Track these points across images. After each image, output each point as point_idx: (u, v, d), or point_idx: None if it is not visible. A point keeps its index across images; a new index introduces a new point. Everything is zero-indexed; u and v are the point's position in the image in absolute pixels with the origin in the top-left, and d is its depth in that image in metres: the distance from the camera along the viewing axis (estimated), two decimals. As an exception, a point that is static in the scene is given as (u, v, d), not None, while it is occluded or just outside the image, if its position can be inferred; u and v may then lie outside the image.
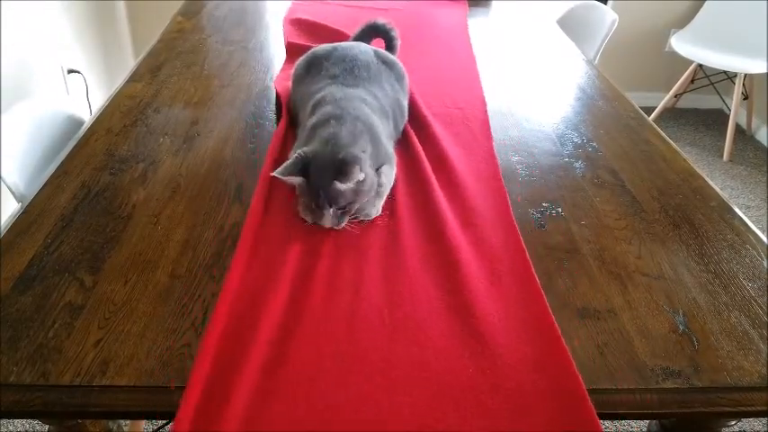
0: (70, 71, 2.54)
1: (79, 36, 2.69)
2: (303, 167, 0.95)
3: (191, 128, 1.32)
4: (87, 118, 1.43)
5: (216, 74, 1.60)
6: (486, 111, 1.42)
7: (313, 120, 1.06)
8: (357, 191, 0.96)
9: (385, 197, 1.05)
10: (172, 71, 1.60)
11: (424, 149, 1.22)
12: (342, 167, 0.93)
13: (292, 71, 1.35)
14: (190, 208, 1.05)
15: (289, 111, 1.32)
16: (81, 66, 2.64)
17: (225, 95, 1.48)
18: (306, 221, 0.99)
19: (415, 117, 1.34)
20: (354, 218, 1.00)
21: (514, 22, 2.12)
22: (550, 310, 0.85)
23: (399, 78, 1.31)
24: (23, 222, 1.00)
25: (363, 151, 0.99)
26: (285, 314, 0.82)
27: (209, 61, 1.68)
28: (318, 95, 1.13)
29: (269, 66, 1.67)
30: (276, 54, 1.76)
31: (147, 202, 1.06)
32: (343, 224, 0.97)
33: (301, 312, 0.83)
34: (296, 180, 0.96)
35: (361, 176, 0.95)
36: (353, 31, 1.67)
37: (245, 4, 2.20)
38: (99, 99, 2.76)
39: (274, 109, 1.40)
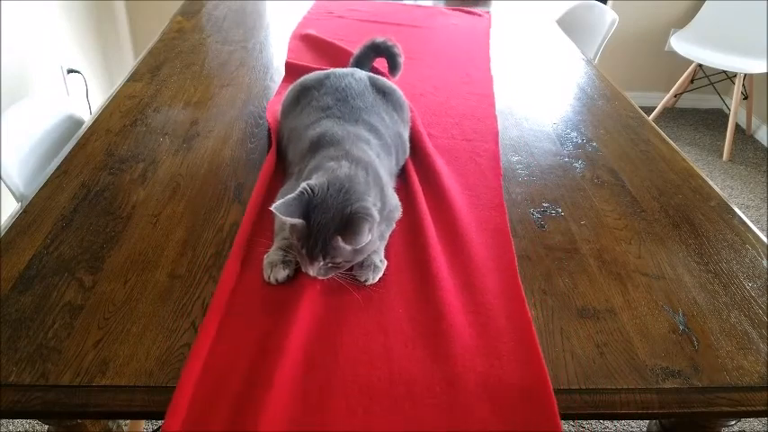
0: (70, 71, 2.54)
1: (79, 36, 2.69)
2: (305, 206, 0.82)
3: (190, 128, 1.32)
4: (87, 118, 1.43)
5: (215, 74, 1.60)
6: (497, 142, 1.29)
7: (314, 162, 0.93)
8: (357, 251, 0.84)
9: (382, 253, 0.92)
10: (171, 71, 1.60)
11: (423, 189, 1.09)
12: (351, 224, 0.81)
13: (281, 103, 1.25)
14: (189, 208, 1.05)
15: (278, 143, 1.20)
16: (81, 66, 2.64)
17: (224, 95, 1.48)
18: (270, 282, 0.87)
19: (416, 150, 1.21)
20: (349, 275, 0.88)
21: (514, 21, 2.12)
22: (557, 411, 0.72)
23: (398, 108, 1.18)
24: (23, 222, 0.99)
25: (375, 204, 0.86)
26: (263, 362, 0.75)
27: (209, 61, 1.68)
28: (314, 132, 1.01)
29: (268, 66, 1.67)
30: (276, 54, 1.76)
31: (146, 202, 1.06)
32: (328, 276, 0.85)
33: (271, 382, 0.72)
34: (295, 222, 0.82)
35: (368, 238, 0.82)
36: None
37: (244, 4, 2.20)
38: (99, 99, 2.76)
39: (266, 137, 1.29)
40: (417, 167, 1.16)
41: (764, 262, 0.99)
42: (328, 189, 0.83)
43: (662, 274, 0.95)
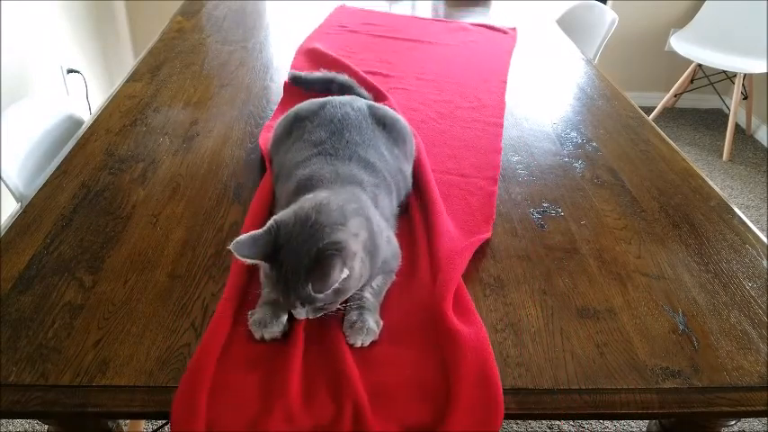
0: (70, 71, 2.54)
1: (79, 36, 2.68)
2: (273, 245, 0.75)
3: (190, 128, 1.32)
4: (87, 118, 1.43)
5: (215, 74, 1.60)
6: (496, 180, 1.17)
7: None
8: (339, 290, 0.75)
9: (377, 312, 0.83)
10: (171, 71, 1.59)
11: (423, 230, 1.00)
12: (320, 265, 0.72)
13: (272, 132, 1.16)
14: (189, 208, 1.05)
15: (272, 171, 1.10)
16: (80, 66, 2.63)
17: (224, 95, 1.48)
18: (265, 339, 0.78)
19: (419, 185, 1.11)
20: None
21: (514, 21, 2.12)
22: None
23: (400, 141, 1.09)
24: (23, 222, 0.99)
25: (356, 234, 0.77)
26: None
27: (209, 61, 1.68)
28: (302, 173, 0.93)
29: (268, 66, 1.67)
30: (275, 54, 1.76)
31: (146, 201, 1.06)
32: (319, 315, 0.78)
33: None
34: (259, 264, 0.76)
35: (344, 274, 0.73)
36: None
37: (244, 4, 2.20)
38: (98, 99, 2.76)
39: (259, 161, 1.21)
40: (418, 205, 1.06)
41: (764, 262, 0.99)
42: (297, 227, 0.75)
43: (662, 274, 0.95)
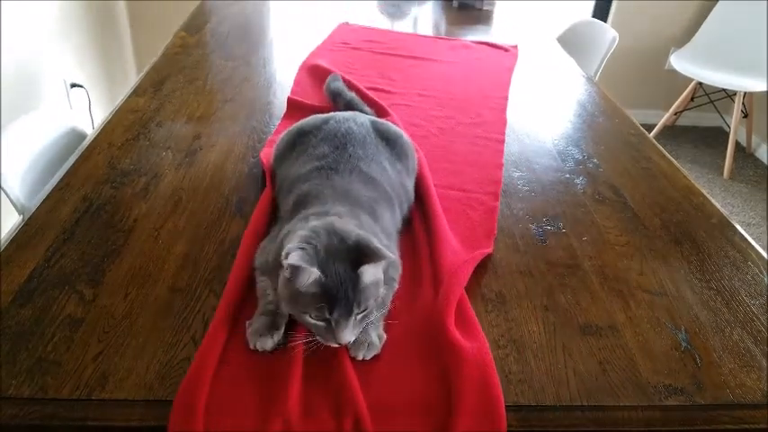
0: (73, 85, 2.55)
1: (82, 50, 2.71)
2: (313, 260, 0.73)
3: (193, 142, 1.32)
4: (90, 132, 1.44)
5: (219, 89, 1.61)
6: (498, 194, 1.18)
7: (289, 226, 0.85)
8: (378, 282, 0.77)
9: (381, 326, 0.83)
10: (175, 86, 1.60)
11: (424, 242, 1.01)
12: (363, 249, 0.75)
13: (275, 146, 1.17)
14: (191, 222, 1.05)
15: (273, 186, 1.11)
16: (84, 80, 2.65)
17: (227, 110, 1.49)
18: (257, 349, 0.78)
19: (421, 199, 1.12)
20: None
21: (515, 39, 2.14)
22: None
23: (402, 156, 1.10)
24: (24, 235, 0.99)
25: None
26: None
27: (212, 76, 1.69)
28: (303, 187, 0.94)
29: (271, 81, 1.68)
30: (278, 70, 1.77)
31: (148, 215, 1.06)
32: (360, 330, 0.77)
33: None
34: (314, 275, 0.72)
35: (391, 256, 0.77)
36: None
37: (247, 20, 2.22)
38: (101, 113, 2.78)
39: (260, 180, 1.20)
40: (420, 218, 1.07)
41: (766, 279, 0.98)
42: (320, 236, 0.76)
43: (664, 291, 0.95)
